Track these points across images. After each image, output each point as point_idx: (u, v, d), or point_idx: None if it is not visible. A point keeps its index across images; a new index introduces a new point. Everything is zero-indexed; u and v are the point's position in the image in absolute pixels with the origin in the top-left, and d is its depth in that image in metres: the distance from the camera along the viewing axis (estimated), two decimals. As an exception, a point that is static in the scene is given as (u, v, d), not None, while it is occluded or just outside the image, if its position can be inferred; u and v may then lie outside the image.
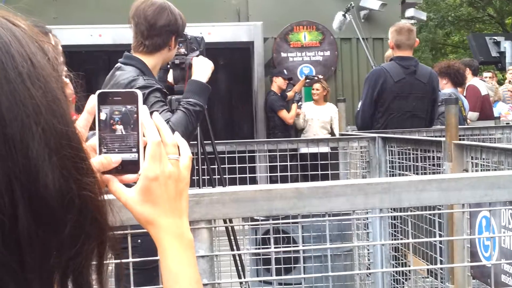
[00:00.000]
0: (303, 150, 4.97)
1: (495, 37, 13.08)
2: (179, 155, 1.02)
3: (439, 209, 2.24)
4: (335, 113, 8.25)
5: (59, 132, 0.71)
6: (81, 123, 0.99)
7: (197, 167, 3.47)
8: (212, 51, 2.92)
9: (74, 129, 0.75)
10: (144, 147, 1.00)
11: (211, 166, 3.59)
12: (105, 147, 0.99)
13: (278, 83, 8.46)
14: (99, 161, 0.96)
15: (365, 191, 1.46)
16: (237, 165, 3.90)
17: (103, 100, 1.00)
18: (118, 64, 2.99)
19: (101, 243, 0.79)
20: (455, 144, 2.91)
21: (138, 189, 0.98)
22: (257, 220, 3.49)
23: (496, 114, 7.85)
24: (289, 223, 2.81)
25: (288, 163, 3.97)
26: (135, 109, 1.00)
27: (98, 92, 1.00)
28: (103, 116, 0.99)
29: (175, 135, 1.04)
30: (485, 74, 10.35)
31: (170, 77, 3.32)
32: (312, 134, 8.40)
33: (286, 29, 9.08)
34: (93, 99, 1.00)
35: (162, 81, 3.25)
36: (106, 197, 0.81)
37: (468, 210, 2.17)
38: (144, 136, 1.00)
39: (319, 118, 8.44)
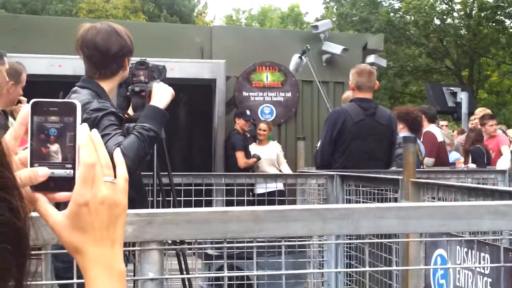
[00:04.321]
0: (260, 189, 4.95)
1: (452, 88, 13.41)
2: (115, 177, 0.93)
3: (397, 237, 2.22)
4: (279, 150, 8.48)
5: None
6: (12, 134, 0.90)
7: (151, 199, 3.39)
8: (174, 86, 2.91)
9: None
10: None
11: (166, 198, 3.52)
12: (37, 161, 0.90)
13: (240, 124, 8.49)
14: (27, 174, 0.87)
15: (323, 217, 1.42)
16: (193, 198, 3.84)
17: (38, 110, 0.91)
18: (75, 88, 2.93)
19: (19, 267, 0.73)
20: (412, 182, 2.91)
21: (67, 214, 0.90)
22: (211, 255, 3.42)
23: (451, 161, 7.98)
24: (243, 247, 2.76)
25: (245, 198, 3.93)
26: (73, 121, 0.91)
27: (32, 101, 0.91)
28: (36, 127, 0.90)
29: (115, 154, 0.96)
30: (442, 122, 10.56)
31: (131, 110, 3.26)
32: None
33: (249, 69, 9.15)
34: (26, 109, 0.91)
35: (120, 108, 3.19)
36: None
37: (424, 239, 2.16)
38: None
39: (266, 157, 8.43)
